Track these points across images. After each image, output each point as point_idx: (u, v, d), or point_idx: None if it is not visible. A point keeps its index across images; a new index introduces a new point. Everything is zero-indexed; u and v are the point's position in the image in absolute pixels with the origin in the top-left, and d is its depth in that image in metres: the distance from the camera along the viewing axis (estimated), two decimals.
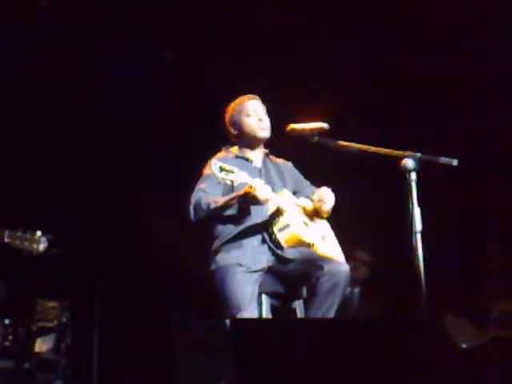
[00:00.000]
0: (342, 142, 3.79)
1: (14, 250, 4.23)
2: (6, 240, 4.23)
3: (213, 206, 4.10)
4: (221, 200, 4.12)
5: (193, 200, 4.15)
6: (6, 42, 5.55)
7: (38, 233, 4.26)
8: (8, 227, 4.26)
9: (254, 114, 4.34)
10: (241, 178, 3.96)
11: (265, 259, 4.17)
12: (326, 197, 4.32)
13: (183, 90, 6.02)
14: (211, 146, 4.46)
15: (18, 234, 4.25)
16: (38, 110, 5.88)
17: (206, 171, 4.22)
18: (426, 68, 5.74)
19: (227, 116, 4.41)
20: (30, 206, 5.59)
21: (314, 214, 4.38)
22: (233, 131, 4.39)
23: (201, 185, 4.21)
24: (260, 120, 4.34)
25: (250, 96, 4.43)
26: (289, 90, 5.47)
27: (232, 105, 4.42)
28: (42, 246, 4.26)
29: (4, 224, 4.25)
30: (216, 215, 4.15)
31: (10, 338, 4.75)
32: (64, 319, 5.07)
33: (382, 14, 5.76)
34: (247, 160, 4.37)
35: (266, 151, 4.47)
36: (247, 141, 4.38)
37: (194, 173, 4.38)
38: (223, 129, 4.43)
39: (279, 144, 4.32)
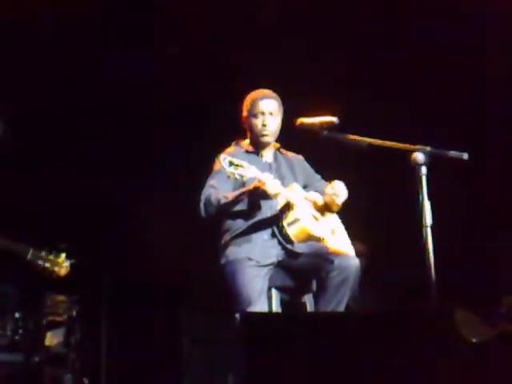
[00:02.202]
0: (351, 136, 3.78)
1: (35, 268, 4.24)
2: (28, 258, 4.24)
3: (223, 201, 4.11)
4: (230, 195, 4.14)
5: (203, 196, 4.17)
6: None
7: (63, 255, 4.26)
8: (33, 245, 4.27)
9: (260, 116, 4.30)
10: (250, 173, 3.97)
11: (274, 253, 4.18)
12: (339, 190, 4.31)
13: (185, 85, 6.01)
14: (214, 142, 4.46)
15: (43, 254, 4.26)
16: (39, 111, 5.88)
17: (216, 167, 4.22)
18: (434, 61, 5.72)
19: (242, 108, 4.39)
20: (30, 205, 5.60)
21: (324, 208, 4.38)
22: (244, 125, 4.40)
23: (211, 181, 4.22)
24: (264, 125, 4.31)
25: (266, 93, 4.37)
26: (298, 83, 5.45)
27: (247, 98, 4.38)
28: (63, 270, 4.27)
29: (30, 241, 4.28)
30: (226, 211, 4.17)
31: (20, 331, 4.75)
32: (74, 313, 5.05)
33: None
34: (257, 155, 4.37)
35: (278, 145, 4.47)
36: (254, 139, 4.39)
37: (199, 167, 4.39)
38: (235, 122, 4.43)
39: (289, 138, 4.33)
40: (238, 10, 5.84)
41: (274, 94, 4.38)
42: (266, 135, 4.33)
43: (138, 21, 5.85)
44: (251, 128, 4.35)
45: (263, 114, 4.30)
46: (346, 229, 4.48)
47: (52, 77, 5.83)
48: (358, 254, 5.87)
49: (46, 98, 5.83)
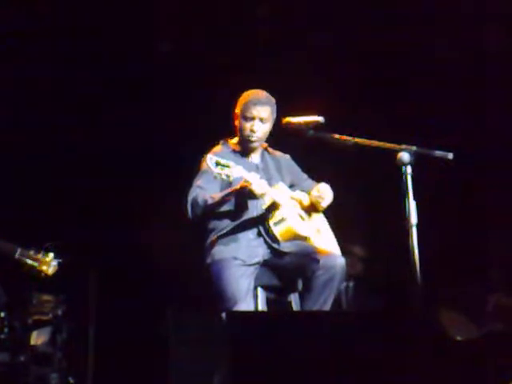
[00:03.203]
0: (337, 136, 3.79)
1: (22, 267, 4.24)
2: (16, 257, 4.24)
3: (210, 202, 4.11)
4: (217, 196, 4.14)
5: (190, 197, 4.16)
6: None
7: (51, 255, 4.26)
8: (21, 244, 4.26)
9: (250, 120, 4.26)
10: (237, 173, 3.96)
11: (260, 253, 4.19)
12: (324, 193, 4.32)
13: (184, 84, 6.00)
14: (208, 140, 4.46)
15: (31, 252, 4.25)
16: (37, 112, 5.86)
17: (202, 167, 4.22)
18: (423, 61, 5.74)
19: (236, 106, 4.34)
20: (20, 203, 5.59)
21: (310, 208, 4.38)
22: (235, 122, 4.36)
23: (197, 181, 4.21)
24: (252, 131, 4.28)
25: (260, 97, 4.30)
26: (284, 82, 5.45)
27: (242, 97, 4.32)
28: (51, 270, 4.27)
29: (17, 239, 4.27)
30: (213, 211, 4.17)
31: (6, 330, 4.74)
32: (59, 312, 5.05)
33: (378, 7, 5.77)
34: (244, 155, 4.36)
35: (265, 145, 4.46)
36: (241, 140, 4.37)
37: (191, 164, 4.38)
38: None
39: (275, 137, 4.33)
40: (236, 8, 5.85)
41: (268, 99, 4.31)
42: (253, 141, 4.31)
43: (137, 19, 5.85)
44: (240, 129, 4.32)
45: (253, 119, 4.26)
46: (331, 228, 4.49)
47: (51, 75, 5.83)
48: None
49: (45, 96, 5.82)
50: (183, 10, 5.85)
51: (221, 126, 4.61)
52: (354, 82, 5.80)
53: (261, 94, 4.33)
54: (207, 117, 5.79)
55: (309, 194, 4.39)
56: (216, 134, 4.53)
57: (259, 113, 4.26)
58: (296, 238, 4.18)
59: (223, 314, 3.94)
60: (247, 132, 4.29)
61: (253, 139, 4.30)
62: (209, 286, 4.22)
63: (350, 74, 5.81)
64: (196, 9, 5.84)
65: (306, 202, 4.38)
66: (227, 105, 4.47)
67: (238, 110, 4.32)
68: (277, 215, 4.17)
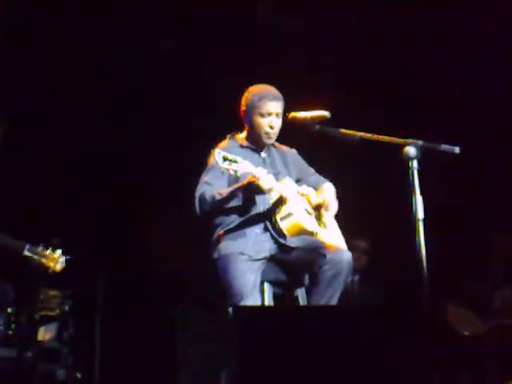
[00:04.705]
0: (343, 130, 3.78)
1: (30, 263, 4.26)
2: (25, 253, 4.27)
3: (217, 198, 4.10)
4: (225, 191, 4.12)
5: (197, 193, 4.14)
6: None
7: (58, 251, 4.30)
8: (29, 241, 4.29)
9: (267, 116, 4.22)
10: (244, 168, 3.95)
11: (267, 248, 4.18)
12: (328, 202, 4.32)
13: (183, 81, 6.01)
14: (211, 137, 4.45)
15: (39, 249, 4.29)
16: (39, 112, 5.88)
17: (210, 162, 4.20)
18: (426, 56, 5.74)
19: (244, 100, 4.28)
20: (28, 200, 5.61)
21: (317, 204, 4.38)
22: (244, 118, 4.32)
23: (205, 177, 4.19)
24: (271, 127, 4.24)
25: (274, 93, 4.25)
26: (289, 78, 5.45)
27: (254, 93, 4.26)
28: (59, 266, 4.30)
29: (25, 236, 4.30)
30: (221, 207, 4.15)
31: (13, 326, 4.76)
32: (66, 308, 5.08)
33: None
34: (252, 150, 4.34)
35: None
36: (254, 137, 4.33)
37: (194, 163, 4.38)
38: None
39: (281, 132, 4.33)
40: (235, 7, 5.85)
41: (279, 94, 4.27)
42: (271, 137, 4.29)
43: (138, 19, 5.85)
44: (255, 126, 4.27)
45: (270, 114, 4.23)
46: (337, 223, 4.49)
47: (52, 75, 5.84)
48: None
49: (46, 96, 5.84)
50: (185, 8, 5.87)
51: (220, 126, 4.61)
52: (360, 76, 5.80)
53: (272, 89, 4.29)
54: (207, 117, 5.81)
55: (316, 190, 4.39)
56: (217, 134, 4.53)
57: (276, 108, 4.23)
58: (303, 232, 4.17)
59: (230, 309, 3.94)
60: (266, 129, 4.25)
61: (271, 136, 4.28)
62: (215, 281, 4.22)
63: (356, 69, 5.82)
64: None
65: (313, 197, 4.37)
66: (226, 104, 4.46)
67: (249, 107, 4.26)
68: (283, 210, 4.16)
